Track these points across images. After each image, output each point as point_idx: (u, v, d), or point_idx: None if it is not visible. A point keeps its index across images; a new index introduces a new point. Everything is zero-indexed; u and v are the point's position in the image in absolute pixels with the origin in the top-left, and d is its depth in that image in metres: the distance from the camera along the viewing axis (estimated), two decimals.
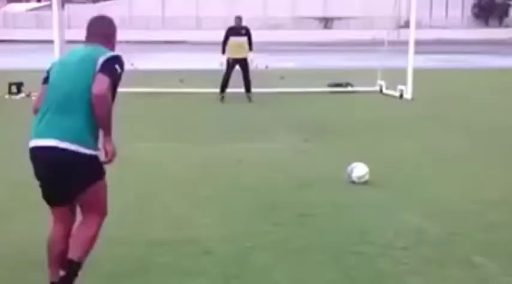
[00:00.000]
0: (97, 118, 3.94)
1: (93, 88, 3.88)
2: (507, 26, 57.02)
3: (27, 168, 4.17)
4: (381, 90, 16.45)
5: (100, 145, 4.09)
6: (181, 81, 17.54)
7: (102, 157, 4.10)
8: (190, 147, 9.41)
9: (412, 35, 15.51)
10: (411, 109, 14.00)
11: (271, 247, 5.36)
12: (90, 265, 4.26)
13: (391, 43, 16.79)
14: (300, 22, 55.94)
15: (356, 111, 13.53)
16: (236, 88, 14.85)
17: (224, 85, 14.54)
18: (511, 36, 46.58)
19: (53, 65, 4.24)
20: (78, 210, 4.22)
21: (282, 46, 38.10)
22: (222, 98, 14.51)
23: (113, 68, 4.00)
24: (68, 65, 4.10)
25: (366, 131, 10.89)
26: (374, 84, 16.60)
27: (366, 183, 7.23)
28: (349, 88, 16.94)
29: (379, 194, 6.93)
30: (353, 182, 7.27)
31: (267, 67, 22.01)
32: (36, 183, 4.15)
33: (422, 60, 20.23)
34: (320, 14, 57.05)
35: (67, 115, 3.92)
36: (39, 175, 4.06)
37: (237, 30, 14.51)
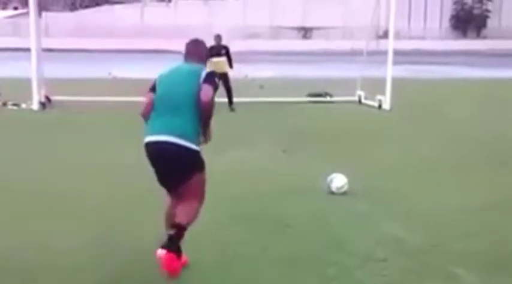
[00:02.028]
0: (203, 117, 4.91)
1: (202, 96, 4.85)
2: (485, 37, 57.63)
3: None
4: (359, 100, 16.51)
5: None
6: None
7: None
8: None
9: (390, 45, 15.59)
10: (390, 119, 14.07)
11: (252, 257, 5.33)
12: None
13: (370, 53, 16.88)
14: (278, 32, 56.10)
15: (335, 121, 13.55)
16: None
17: None
18: (488, 47, 47.05)
19: (161, 77, 5.21)
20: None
21: (261, 55, 38.10)
22: None
23: (213, 80, 5.02)
24: (177, 77, 5.09)
25: (345, 141, 10.90)
26: (353, 94, 16.65)
27: (345, 193, 7.23)
28: (328, 98, 17.00)
29: (358, 204, 6.92)
30: (332, 193, 7.26)
31: (246, 76, 22.02)
32: None
33: (401, 70, 20.34)
34: (299, 23, 57.25)
35: (177, 117, 4.88)
36: (154, 164, 4.99)
37: (218, 50, 14.63)
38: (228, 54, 14.79)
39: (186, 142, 4.82)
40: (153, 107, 5.05)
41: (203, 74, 5.00)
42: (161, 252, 4.78)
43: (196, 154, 4.92)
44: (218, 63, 14.40)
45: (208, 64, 14.64)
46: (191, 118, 4.89)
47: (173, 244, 4.77)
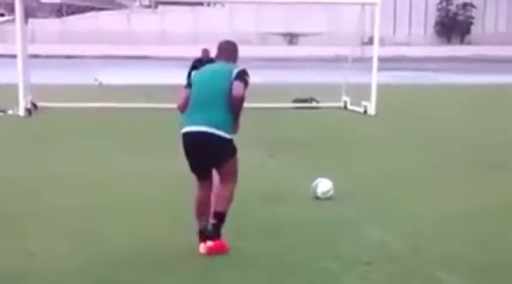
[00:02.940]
0: (233, 110, 5.47)
1: (233, 91, 5.42)
2: (469, 43, 57.94)
3: None
4: (345, 106, 16.59)
5: None
6: (148, 95, 17.44)
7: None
8: (153, 162, 9.37)
9: (375, 51, 15.70)
10: (375, 125, 14.15)
11: (238, 262, 5.37)
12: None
13: (356, 59, 16.98)
14: (265, 38, 56.15)
15: (321, 127, 13.62)
16: None
17: None
18: (472, 53, 47.33)
19: (196, 75, 5.80)
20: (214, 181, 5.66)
21: (247, 62, 37.78)
22: None
23: (244, 76, 5.56)
24: (211, 75, 5.70)
25: (330, 147, 10.97)
26: (339, 100, 16.73)
27: (330, 198, 7.29)
28: (314, 104, 17.06)
29: (344, 209, 6.98)
30: (318, 197, 7.32)
31: None
32: None
33: (386, 76, 20.44)
34: (285, 30, 57.28)
35: (212, 110, 5.45)
36: (189, 153, 5.57)
37: (205, 64, 14.61)
38: None
39: (220, 132, 5.42)
40: (189, 102, 5.60)
41: (235, 72, 5.57)
42: (209, 243, 5.47)
43: (229, 142, 5.52)
44: None
45: None
46: (224, 111, 5.46)
47: (218, 231, 5.51)
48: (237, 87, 5.46)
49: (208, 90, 5.54)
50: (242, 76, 5.55)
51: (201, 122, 5.45)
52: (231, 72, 5.58)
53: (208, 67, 5.95)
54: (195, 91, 5.62)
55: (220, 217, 5.55)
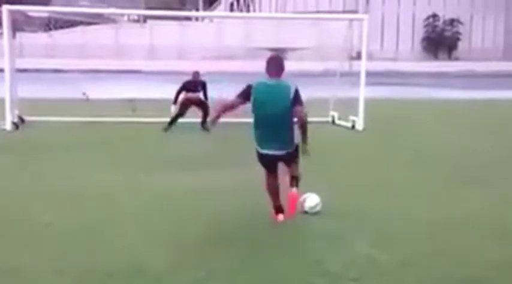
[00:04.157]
0: (302, 131, 6.65)
1: (297, 117, 6.60)
2: (456, 59, 58.39)
3: None
4: (333, 121, 16.63)
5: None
6: (134, 110, 17.38)
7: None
8: (142, 177, 9.35)
9: (363, 66, 15.75)
10: (363, 139, 14.18)
11: (226, 277, 5.36)
12: None
13: (344, 74, 17.02)
14: (253, 53, 56.33)
15: (308, 141, 13.58)
16: (185, 118, 14.94)
17: (174, 121, 14.62)
18: (459, 69, 47.64)
19: (256, 90, 6.64)
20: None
21: (236, 76, 37.88)
22: (166, 130, 14.53)
23: (300, 99, 6.61)
24: (272, 96, 6.60)
25: (318, 161, 10.91)
26: (326, 115, 16.76)
27: (317, 213, 7.28)
28: None
29: (331, 224, 6.98)
30: (305, 212, 7.31)
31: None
32: None
33: (373, 91, 20.52)
34: (273, 45, 57.52)
35: (280, 131, 6.66)
36: (265, 163, 6.94)
37: (195, 85, 14.69)
38: (204, 89, 14.82)
39: (290, 149, 6.78)
40: (255, 117, 6.74)
41: (292, 90, 6.57)
42: (293, 192, 6.87)
43: (295, 151, 6.81)
44: (193, 98, 14.61)
45: (183, 96, 14.75)
46: (288, 128, 6.68)
47: (298, 184, 6.94)
48: (300, 112, 6.58)
49: (274, 113, 6.55)
50: (299, 99, 6.57)
51: (275, 147, 6.72)
52: (289, 91, 6.55)
53: (265, 86, 6.68)
54: (259, 111, 6.64)
55: (296, 178, 6.94)
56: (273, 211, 7.07)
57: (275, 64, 6.75)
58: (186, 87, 14.71)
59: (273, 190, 7.04)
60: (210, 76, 15.57)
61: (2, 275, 5.37)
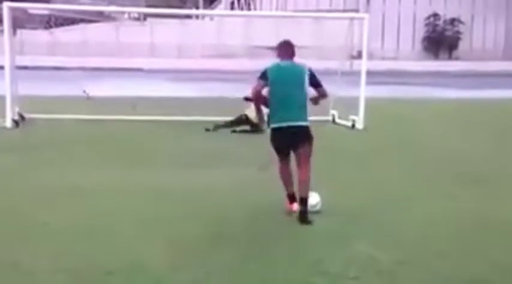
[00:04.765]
0: (321, 96, 7.39)
1: (323, 94, 7.39)
2: (457, 58, 58.29)
3: None
4: (333, 120, 16.61)
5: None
6: (134, 108, 17.36)
7: None
8: (142, 175, 9.34)
9: (364, 65, 15.73)
10: (363, 139, 14.17)
11: (225, 277, 5.35)
12: None
13: (344, 73, 17.00)
14: (253, 51, 56.26)
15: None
16: (185, 116, 14.95)
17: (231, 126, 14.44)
18: (460, 69, 47.57)
19: (271, 70, 7.13)
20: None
21: (236, 75, 37.94)
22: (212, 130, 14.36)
23: (317, 78, 7.23)
24: (289, 77, 7.11)
25: (318, 160, 10.91)
26: (327, 114, 16.73)
27: (317, 212, 7.28)
28: None
29: (331, 223, 6.98)
30: None
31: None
32: None
33: (374, 90, 20.51)
34: (273, 43, 57.55)
35: (294, 104, 7.00)
36: (279, 140, 7.16)
37: None
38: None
39: (304, 122, 7.06)
40: (272, 98, 7.10)
41: (306, 71, 7.13)
42: (296, 206, 7.12)
43: (309, 128, 7.12)
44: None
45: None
46: (303, 104, 7.06)
47: (306, 209, 6.97)
48: (324, 91, 7.37)
49: (291, 91, 7.01)
50: (318, 81, 7.21)
51: (292, 118, 6.99)
52: (303, 70, 7.12)
53: (281, 67, 7.17)
54: (277, 90, 7.05)
55: (305, 201, 6.95)
56: (287, 201, 7.33)
57: (286, 47, 7.32)
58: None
59: (286, 178, 7.34)
60: None
61: (2, 269, 5.37)
